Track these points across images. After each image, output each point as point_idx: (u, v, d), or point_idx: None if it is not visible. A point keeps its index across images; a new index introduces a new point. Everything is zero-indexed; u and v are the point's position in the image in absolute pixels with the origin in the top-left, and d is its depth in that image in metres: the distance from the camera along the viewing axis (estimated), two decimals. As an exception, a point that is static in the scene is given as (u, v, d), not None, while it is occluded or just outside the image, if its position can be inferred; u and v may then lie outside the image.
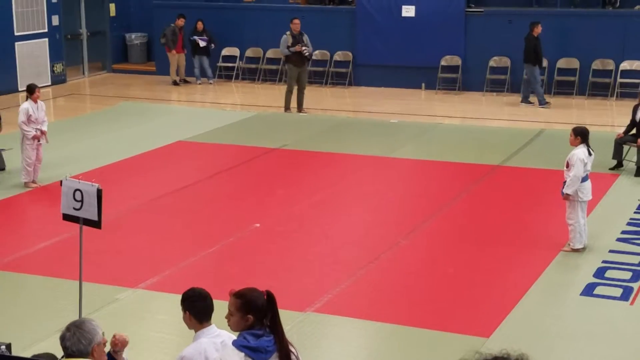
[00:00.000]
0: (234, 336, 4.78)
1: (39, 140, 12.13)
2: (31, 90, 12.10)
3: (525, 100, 17.66)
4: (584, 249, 9.65)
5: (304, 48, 16.62)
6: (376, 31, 19.22)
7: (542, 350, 7.35)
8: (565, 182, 9.52)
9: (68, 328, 4.10)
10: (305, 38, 16.86)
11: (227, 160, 13.65)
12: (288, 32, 16.87)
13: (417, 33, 19.18)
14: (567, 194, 9.52)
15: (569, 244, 9.67)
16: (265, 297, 4.55)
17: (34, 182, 12.16)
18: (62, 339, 4.09)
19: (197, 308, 4.80)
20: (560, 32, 18.48)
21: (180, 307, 4.92)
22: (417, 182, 12.71)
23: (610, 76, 18.10)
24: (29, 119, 11.98)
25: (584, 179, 9.54)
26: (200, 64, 20.30)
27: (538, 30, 17.25)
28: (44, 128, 12.14)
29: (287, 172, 13.14)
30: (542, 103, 17.40)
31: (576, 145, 9.63)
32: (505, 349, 3.20)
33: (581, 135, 9.64)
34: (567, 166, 9.55)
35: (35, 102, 12.07)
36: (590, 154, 9.60)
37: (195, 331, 4.84)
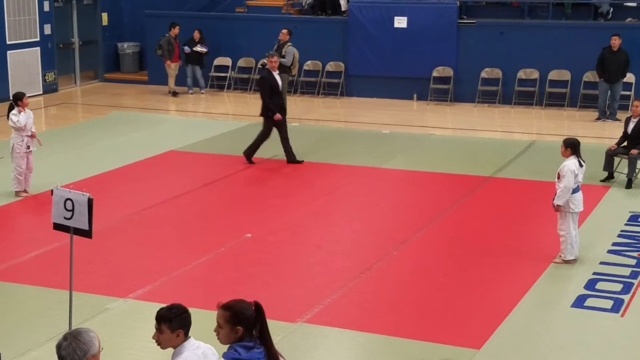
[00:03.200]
0: (211, 347, 4.74)
1: (28, 148, 12.05)
2: (20, 97, 12.02)
3: (608, 115, 17.38)
4: (575, 260, 9.67)
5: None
6: (368, 42, 19.27)
7: (533, 361, 7.35)
8: (556, 193, 9.55)
9: (65, 337, 4.08)
10: (286, 49, 16.87)
11: (218, 170, 13.64)
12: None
13: (409, 44, 19.24)
14: (557, 205, 9.54)
15: (560, 255, 9.69)
16: (253, 307, 4.53)
17: (25, 191, 12.13)
18: (58, 347, 4.07)
19: (188, 323, 4.71)
20: (552, 44, 18.56)
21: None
22: (409, 193, 12.72)
23: (600, 88, 18.14)
24: (17, 127, 11.95)
25: (575, 190, 9.57)
26: (193, 74, 20.30)
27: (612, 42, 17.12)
28: (33, 129, 12.10)
29: (278, 182, 13.14)
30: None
31: (567, 157, 9.66)
32: None
33: (572, 146, 9.67)
34: (558, 177, 9.58)
35: (23, 110, 12.01)
36: (581, 165, 9.62)
37: (175, 346, 4.69)
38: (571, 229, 9.59)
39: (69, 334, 4.10)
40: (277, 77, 13.89)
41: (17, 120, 11.93)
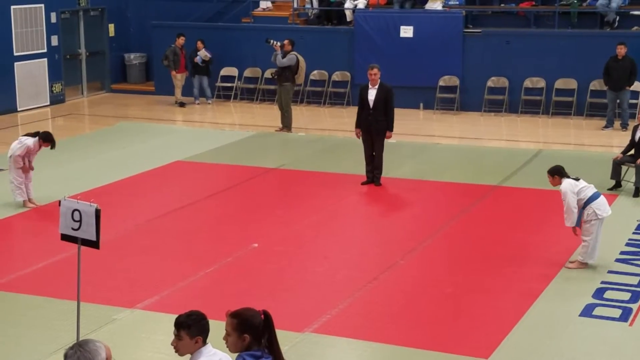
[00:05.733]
0: (227, 355, 4.74)
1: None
2: (46, 139, 11.99)
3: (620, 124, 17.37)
4: (589, 265, 9.66)
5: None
6: (374, 51, 19.28)
7: (541, 371, 7.32)
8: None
9: (72, 347, 4.14)
10: (288, 57, 16.93)
11: (225, 180, 13.66)
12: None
13: (415, 53, 19.26)
14: (573, 228, 9.59)
15: (578, 258, 9.69)
16: (262, 316, 4.53)
17: (30, 201, 12.13)
18: (65, 357, 4.13)
19: (207, 330, 4.72)
20: (558, 53, 18.56)
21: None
22: (415, 202, 12.70)
23: (607, 97, 18.12)
24: (24, 154, 11.90)
25: (594, 197, 9.53)
26: (200, 84, 20.35)
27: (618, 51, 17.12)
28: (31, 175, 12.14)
29: (285, 192, 13.14)
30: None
31: (559, 184, 9.68)
32: None
33: (558, 173, 9.74)
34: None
35: (39, 148, 12.03)
36: (577, 179, 9.65)
37: (192, 353, 4.73)
38: (597, 235, 9.57)
39: (75, 344, 4.15)
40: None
41: (20, 147, 11.92)
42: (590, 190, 9.62)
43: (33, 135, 12.13)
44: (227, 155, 15.29)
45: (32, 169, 12.15)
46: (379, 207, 12.51)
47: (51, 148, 12.13)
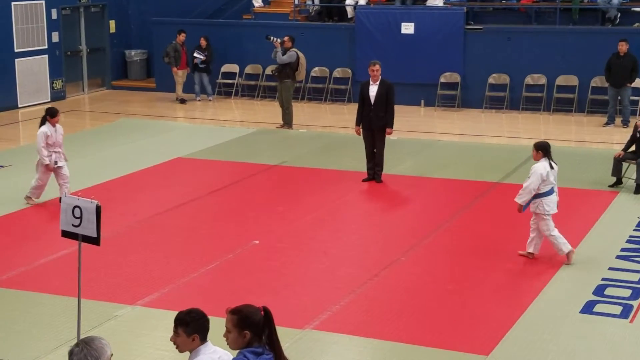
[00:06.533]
0: (228, 353, 4.75)
1: (56, 164, 11.81)
2: (53, 113, 11.77)
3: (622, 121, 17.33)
4: (569, 252, 9.78)
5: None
6: (375, 48, 19.27)
7: (542, 368, 7.32)
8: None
9: (77, 344, 4.15)
10: (288, 54, 16.92)
11: (226, 177, 13.66)
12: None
13: (416, 50, 19.24)
14: (519, 205, 9.73)
15: (567, 258, 9.77)
16: (261, 312, 4.53)
17: (32, 198, 12.08)
18: (70, 354, 4.13)
19: (206, 328, 4.74)
20: (559, 50, 18.54)
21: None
22: (417, 199, 12.70)
23: (609, 93, 18.11)
24: (47, 143, 11.69)
25: (548, 193, 9.69)
26: (201, 81, 20.34)
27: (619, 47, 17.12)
28: (62, 150, 11.86)
29: (286, 188, 13.14)
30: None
31: (538, 160, 9.80)
32: None
33: (542, 149, 9.83)
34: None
35: (54, 125, 11.78)
36: (552, 167, 9.74)
37: (192, 350, 4.75)
38: (554, 229, 9.74)
39: (81, 341, 4.15)
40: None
41: (48, 136, 11.66)
42: (551, 185, 9.73)
43: (42, 122, 11.88)
44: (228, 152, 15.29)
45: (65, 159, 11.91)
46: (380, 204, 12.51)
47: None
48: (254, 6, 21.55)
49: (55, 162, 11.84)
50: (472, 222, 11.41)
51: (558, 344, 7.86)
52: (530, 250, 9.94)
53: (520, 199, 9.72)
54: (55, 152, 11.82)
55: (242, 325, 4.49)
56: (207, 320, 4.75)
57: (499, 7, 20.25)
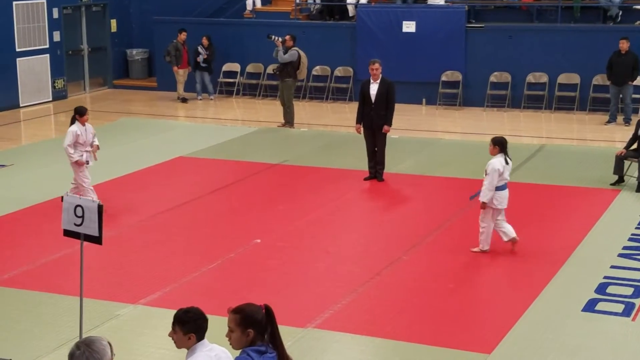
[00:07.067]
0: (226, 350, 4.76)
1: (87, 163, 11.62)
2: (82, 112, 11.62)
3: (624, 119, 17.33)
4: (487, 249, 9.99)
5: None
6: (377, 47, 19.26)
7: (544, 366, 7.32)
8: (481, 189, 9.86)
9: (78, 346, 4.05)
10: (290, 53, 16.92)
11: (227, 176, 13.65)
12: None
13: (417, 48, 19.23)
14: (483, 203, 9.82)
15: (480, 247, 10.04)
16: (263, 311, 4.54)
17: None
18: (71, 356, 4.04)
19: (203, 328, 4.75)
20: (561, 48, 18.53)
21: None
22: (418, 197, 12.70)
23: (610, 91, 18.10)
24: (76, 142, 11.52)
25: (501, 188, 9.83)
26: (202, 80, 20.34)
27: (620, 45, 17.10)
28: (96, 142, 11.66)
29: (288, 187, 13.14)
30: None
31: (494, 155, 9.90)
32: None
33: (499, 144, 9.93)
34: (486, 174, 9.84)
35: (83, 124, 11.61)
36: (507, 162, 9.86)
37: (189, 347, 4.76)
38: (491, 222, 9.91)
39: (82, 343, 4.08)
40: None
41: (79, 134, 11.47)
42: (505, 181, 9.85)
43: (72, 122, 11.70)
44: (230, 151, 15.29)
45: (95, 151, 11.62)
46: (381, 203, 12.50)
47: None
48: (246, 10, 21.53)
49: (87, 162, 11.62)
50: (473, 221, 11.39)
51: (560, 342, 7.86)
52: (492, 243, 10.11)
53: (485, 197, 9.82)
54: (86, 151, 11.61)
55: (245, 324, 4.49)
56: (205, 320, 4.77)
57: (500, 5, 20.25)
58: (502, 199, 9.88)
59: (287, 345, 4.64)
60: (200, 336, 4.75)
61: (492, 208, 9.85)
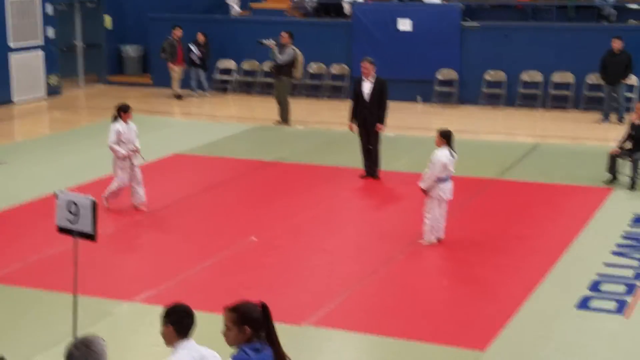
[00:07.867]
0: (216, 354, 4.76)
1: (131, 161, 11.57)
2: (125, 109, 11.52)
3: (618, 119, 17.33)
4: (435, 242, 10.17)
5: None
6: (372, 44, 19.26)
7: (538, 364, 7.34)
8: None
9: (77, 346, 3.96)
10: (286, 50, 16.89)
11: (223, 174, 13.65)
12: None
13: (413, 46, 19.24)
14: (421, 188, 10.12)
15: (424, 238, 10.21)
16: (260, 308, 4.54)
17: (137, 207, 11.52)
18: (70, 356, 3.96)
19: (183, 324, 4.73)
20: (555, 47, 18.55)
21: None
22: (414, 195, 12.67)
23: (604, 90, 18.13)
24: (119, 140, 11.46)
25: (445, 179, 10.07)
26: (197, 76, 20.32)
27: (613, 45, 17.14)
28: (137, 145, 11.58)
29: (283, 185, 13.14)
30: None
31: (440, 146, 10.13)
32: None
33: (445, 137, 10.20)
34: (430, 163, 10.11)
35: (126, 122, 11.55)
36: (452, 156, 10.07)
37: (174, 345, 4.76)
38: (437, 214, 10.11)
39: (80, 343, 4.00)
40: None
41: (119, 132, 11.42)
42: (450, 173, 10.10)
43: (114, 119, 11.59)
44: (225, 149, 15.28)
45: (137, 151, 11.53)
46: (377, 201, 12.51)
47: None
48: (230, 12, 21.51)
49: (132, 162, 11.51)
50: (468, 219, 11.42)
51: (554, 339, 7.88)
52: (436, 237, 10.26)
53: (424, 183, 10.11)
54: (131, 150, 11.55)
55: (242, 321, 4.50)
56: (191, 319, 4.76)
57: (495, 3, 20.27)
58: (447, 190, 10.16)
59: (282, 342, 4.65)
60: (182, 332, 4.73)
61: (437, 199, 10.07)
